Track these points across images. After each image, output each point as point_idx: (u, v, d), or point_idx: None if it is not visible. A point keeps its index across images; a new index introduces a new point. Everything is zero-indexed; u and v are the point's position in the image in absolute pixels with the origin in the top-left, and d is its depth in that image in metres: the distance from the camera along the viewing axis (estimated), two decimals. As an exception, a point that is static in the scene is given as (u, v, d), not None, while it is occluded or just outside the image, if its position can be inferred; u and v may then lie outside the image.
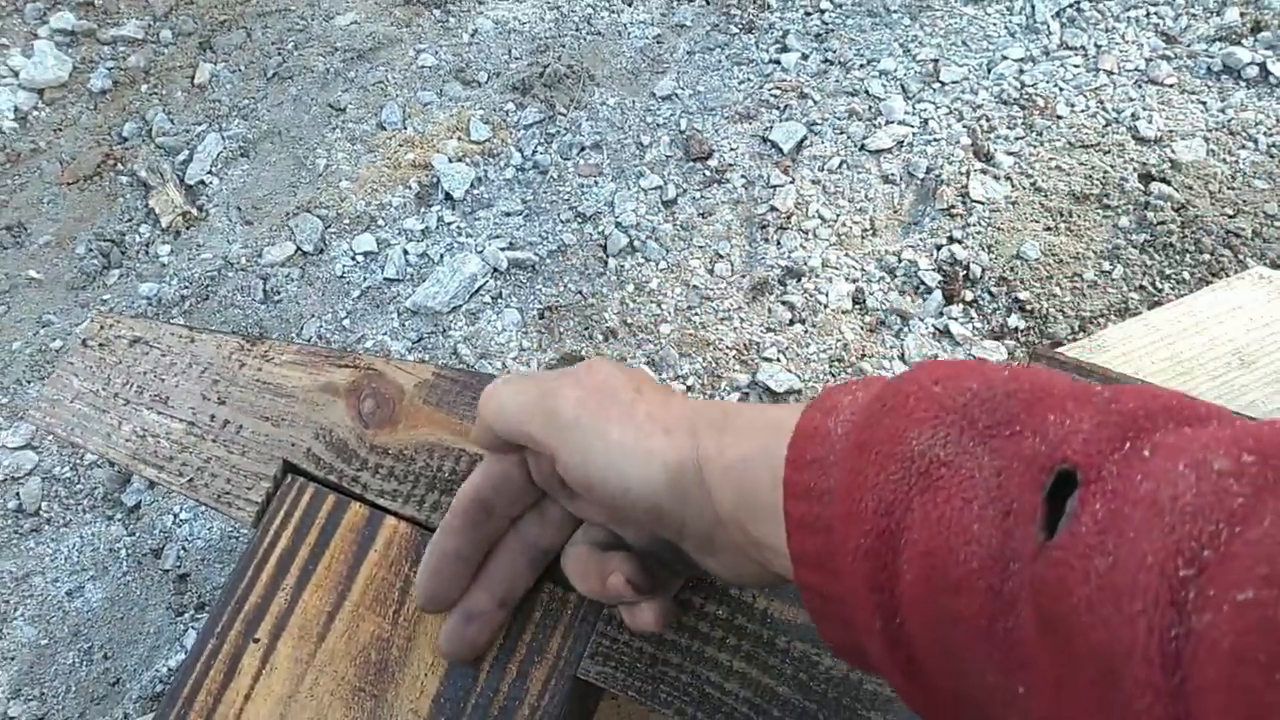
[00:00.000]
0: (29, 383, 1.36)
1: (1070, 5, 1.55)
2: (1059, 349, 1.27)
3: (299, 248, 1.44)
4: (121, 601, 1.22)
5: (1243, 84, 1.45)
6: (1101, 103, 1.45)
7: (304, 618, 0.76)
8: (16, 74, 1.62)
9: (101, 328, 0.87)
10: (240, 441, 0.83)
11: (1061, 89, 1.47)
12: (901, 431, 0.32)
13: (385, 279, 1.40)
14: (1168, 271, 1.32)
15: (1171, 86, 1.46)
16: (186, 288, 1.42)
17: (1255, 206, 1.34)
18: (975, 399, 0.31)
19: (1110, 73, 1.48)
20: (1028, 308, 1.31)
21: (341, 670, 0.75)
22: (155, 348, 0.85)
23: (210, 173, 1.53)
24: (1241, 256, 1.31)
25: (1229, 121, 1.41)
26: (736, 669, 0.73)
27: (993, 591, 0.28)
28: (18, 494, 1.28)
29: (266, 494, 0.81)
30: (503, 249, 1.39)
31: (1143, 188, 1.37)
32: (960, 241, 1.35)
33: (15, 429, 1.32)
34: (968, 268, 1.34)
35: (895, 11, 1.58)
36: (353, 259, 1.43)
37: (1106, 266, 1.33)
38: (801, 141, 1.46)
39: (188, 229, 1.48)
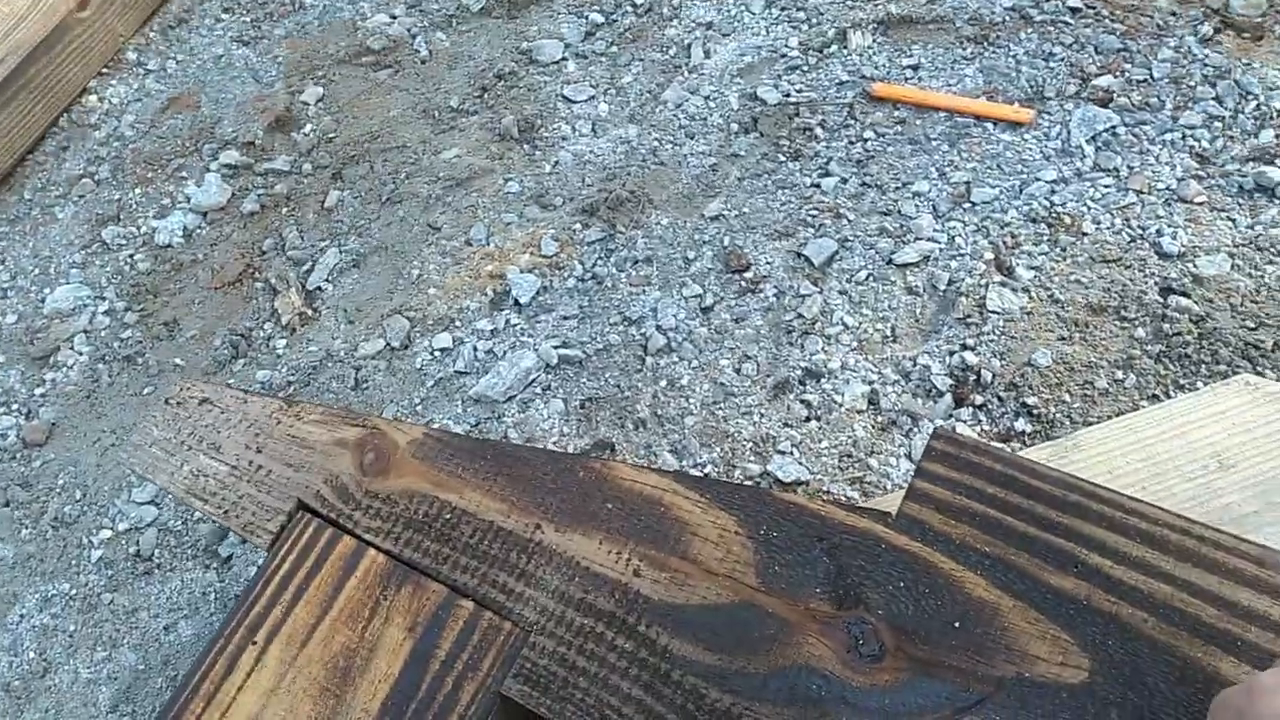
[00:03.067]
0: (162, 450, 1.63)
1: (1106, 129, 1.62)
2: (1008, 442, 1.31)
3: (388, 344, 1.67)
4: (206, 638, 1.42)
5: (1276, 201, 1.47)
6: (1128, 220, 1.50)
7: (293, 627, 0.93)
8: (189, 199, 1.98)
9: (180, 390, 1.09)
10: (268, 483, 1.02)
11: (1089, 208, 1.54)
12: None
13: (455, 371, 1.60)
14: (1182, 381, 1.34)
15: (1201, 204, 1.50)
16: (293, 375, 1.66)
17: (1279, 320, 1.35)
18: None
19: (1140, 192, 1.53)
20: (1035, 412, 1.35)
21: (315, 672, 0.90)
22: (217, 406, 1.07)
23: (327, 280, 1.80)
24: (1260, 369, 1.32)
25: (1256, 237, 1.44)
26: (634, 695, 0.84)
27: None
28: (138, 541, 1.53)
29: (280, 525, 0.99)
30: (555, 347, 1.57)
31: (1161, 300, 1.41)
32: (973, 348, 1.42)
33: (144, 486, 1.58)
34: (978, 373, 1.40)
35: (935, 139, 1.70)
36: (431, 354, 1.64)
37: (1119, 375, 1.36)
38: (833, 256, 1.58)
39: (302, 327, 1.74)
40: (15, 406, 1.75)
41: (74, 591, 1.50)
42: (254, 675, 0.91)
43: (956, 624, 0.81)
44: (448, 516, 0.95)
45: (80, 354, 1.79)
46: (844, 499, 1.34)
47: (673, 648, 0.86)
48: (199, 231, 1.94)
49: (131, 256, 1.92)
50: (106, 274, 1.91)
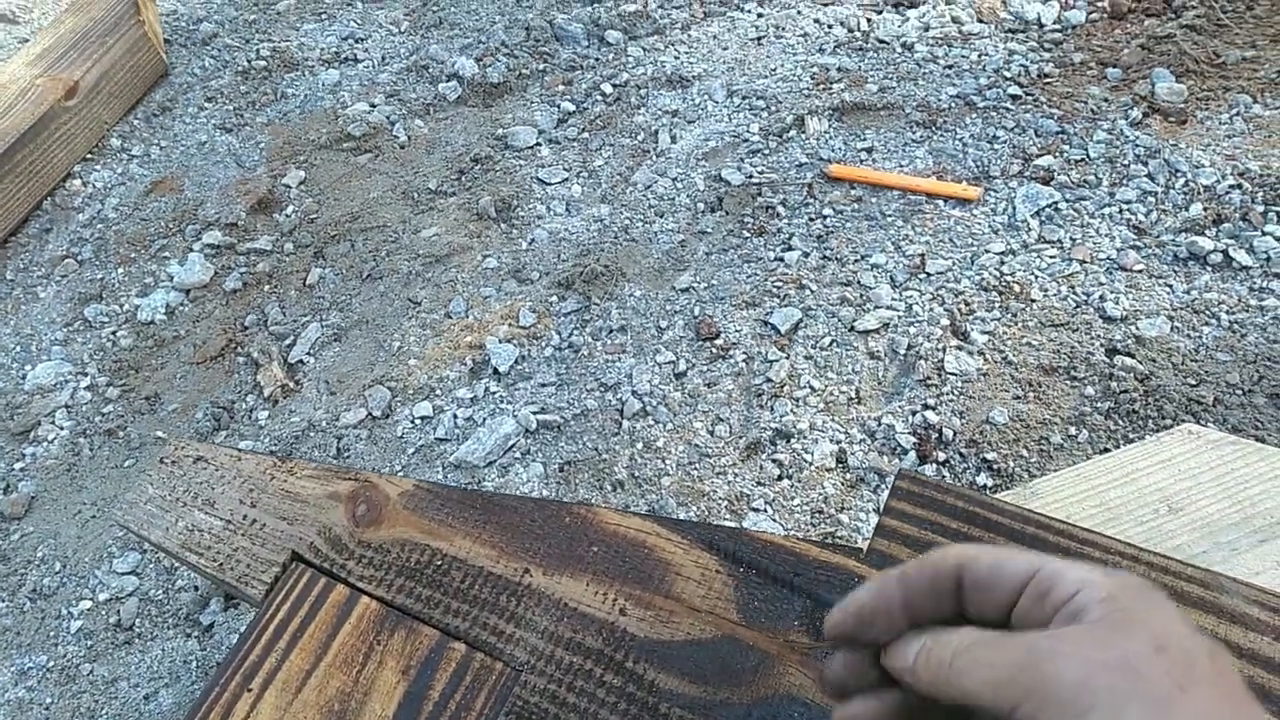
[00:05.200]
0: (142, 522, 1.64)
1: (1049, 205, 1.74)
2: (987, 491, 1.37)
3: (370, 413, 1.71)
4: (186, 708, 1.41)
5: (1208, 269, 1.58)
6: (1073, 287, 1.61)
7: (288, 674, 0.95)
8: (171, 278, 2.03)
9: (175, 449, 1.13)
10: (262, 536, 1.05)
11: (1037, 276, 1.64)
12: None
13: (436, 438, 1.65)
14: (1131, 436, 1.42)
15: (1140, 272, 1.60)
16: (275, 445, 1.69)
17: (1217, 377, 1.44)
18: None
19: (1083, 261, 1.64)
20: (995, 467, 1.42)
21: (310, 717, 0.92)
22: (211, 464, 1.10)
23: (309, 354, 1.85)
24: (1203, 422, 1.40)
25: (1193, 301, 1.54)
26: (623, 729, 0.86)
27: None
28: (118, 611, 1.53)
29: (275, 576, 1.01)
30: (534, 413, 1.62)
31: (1108, 360, 1.50)
32: (934, 408, 1.50)
33: (125, 557, 1.58)
34: (940, 431, 1.47)
35: (890, 216, 1.80)
36: (412, 422, 1.68)
37: (1072, 431, 1.44)
38: (798, 324, 1.66)
39: (284, 398, 1.78)
40: (-7, 481, 1.75)
41: (52, 663, 1.49)
42: (249, 722, 0.93)
43: (927, 650, 0.85)
44: (439, 563, 0.99)
45: (61, 428, 1.81)
46: (816, 553, 1.39)
47: (659, 682, 0.89)
48: (181, 309, 1.99)
49: (114, 333, 1.96)
50: (89, 350, 1.94)
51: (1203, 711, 0.35)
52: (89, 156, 2.40)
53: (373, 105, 2.36)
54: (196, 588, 1.54)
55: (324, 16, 2.70)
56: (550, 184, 2.07)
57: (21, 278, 2.14)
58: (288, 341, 1.88)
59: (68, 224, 2.24)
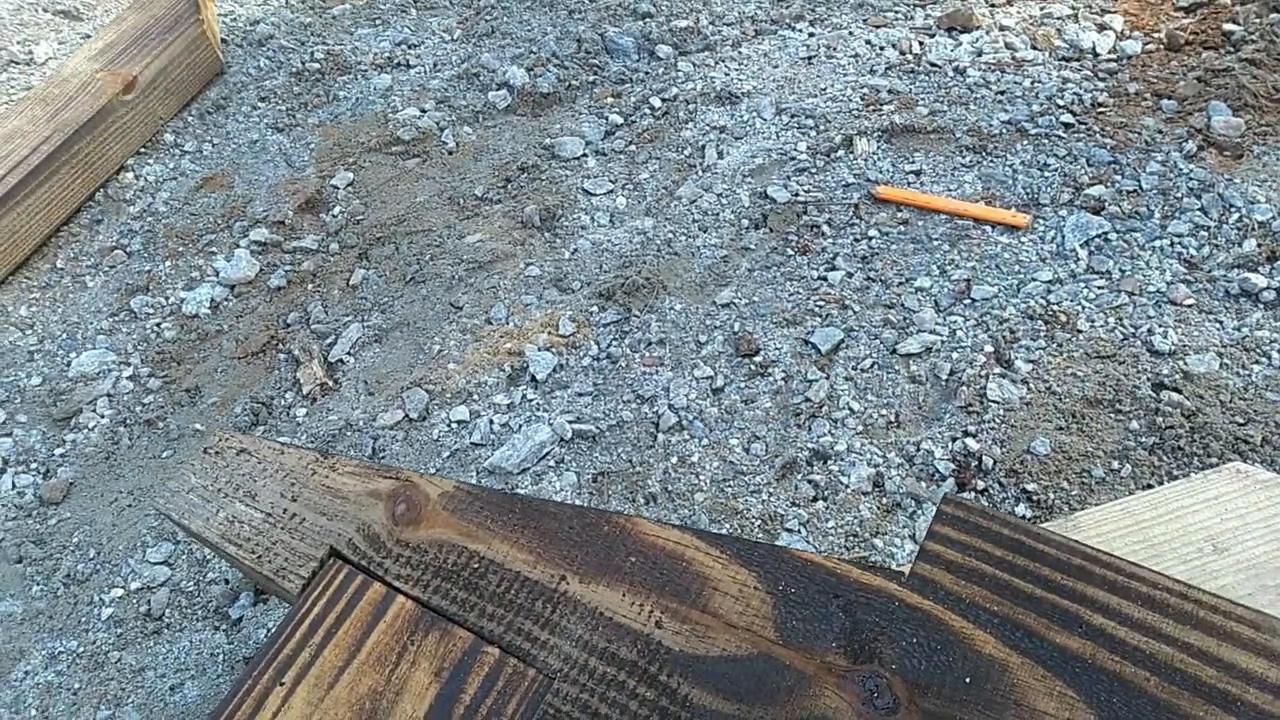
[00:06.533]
0: (178, 512, 1.65)
1: (1098, 235, 1.72)
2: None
3: (407, 415, 1.72)
4: (212, 700, 1.42)
5: (1260, 306, 1.55)
6: (1120, 319, 1.58)
7: (321, 669, 0.96)
8: (217, 273, 2.05)
9: (219, 440, 1.14)
10: (302, 530, 1.05)
11: (1084, 307, 1.62)
12: None
13: (471, 443, 1.65)
14: (1176, 473, 1.39)
15: (1190, 306, 1.58)
16: (311, 442, 1.71)
17: (1266, 416, 1.41)
18: None
19: (1131, 293, 1.61)
20: (1035, 498, 1.40)
21: (341, 714, 0.92)
22: (254, 456, 1.11)
23: (349, 354, 1.86)
24: (1251, 462, 1.37)
25: (1243, 339, 1.51)
26: (654, 741, 0.86)
27: None
28: (149, 600, 1.54)
29: (312, 571, 1.02)
30: (570, 422, 1.62)
31: (1154, 395, 1.47)
32: (975, 436, 1.48)
33: (159, 547, 1.60)
34: (980, 459, 1.45)
35: (936, 239, 1.79)
36: (448, 426, 1.69)
37: (1115, 465, 1.41)
38: (839, 344, 1.65)
39: (323, 397, 1.79)
40: (34, 465, 1.78)
41: (81, 649, 1.50)
42: (280, 716, 0.93)
43: (968, 679, 0.84)
44: (476, 566, 0.99)
45: (102, 416, 1.83)
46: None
47: (693, 697, 0.88)
48: (226, 304, 2.01)
49: (158, 325, 1.99)
50: (133, 341, 1.96)
51: None
52: (143, 150, 2.44)
53: (423, 110, 2.39)
54: (227, 580, 1.55)
55: (378, 22, 2.74)
56: (595, 195, 2.07)
57: (71, 266, 2.17)
58: (329, 340, 1.90)
59: (119, 215, 2.28)
